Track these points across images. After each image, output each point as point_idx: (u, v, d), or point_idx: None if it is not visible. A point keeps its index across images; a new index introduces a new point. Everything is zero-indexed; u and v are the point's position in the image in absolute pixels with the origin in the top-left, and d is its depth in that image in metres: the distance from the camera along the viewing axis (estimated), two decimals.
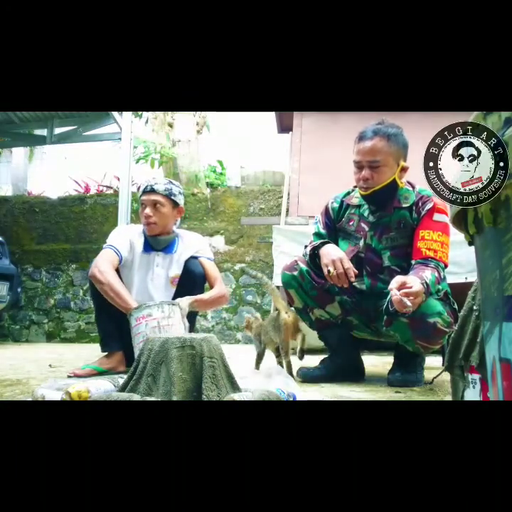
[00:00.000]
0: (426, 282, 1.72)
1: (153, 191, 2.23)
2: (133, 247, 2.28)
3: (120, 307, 2.05)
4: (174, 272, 2.31)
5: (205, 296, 2.23)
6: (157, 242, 2.30)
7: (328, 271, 1.87)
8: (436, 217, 1.90)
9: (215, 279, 2.33)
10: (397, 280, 1.69)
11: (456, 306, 1.93)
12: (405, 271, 1.93)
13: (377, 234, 1.99)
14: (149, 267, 2.30)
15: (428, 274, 1.76)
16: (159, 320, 1.92)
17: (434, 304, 1.82)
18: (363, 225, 2.02)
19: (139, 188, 2.44)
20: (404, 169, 1.93)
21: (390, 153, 1.88)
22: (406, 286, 1.66)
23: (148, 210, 2.23)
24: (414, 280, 1.69)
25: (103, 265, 2.12)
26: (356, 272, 1.90)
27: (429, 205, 1.92)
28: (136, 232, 2.34)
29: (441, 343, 1.93)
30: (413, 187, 2.00)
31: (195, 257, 2.34)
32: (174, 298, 2.27)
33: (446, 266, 1.89)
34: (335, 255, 1.90)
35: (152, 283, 2.30)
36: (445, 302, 1.89)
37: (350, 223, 2.05)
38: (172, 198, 2.26)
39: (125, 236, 2.28)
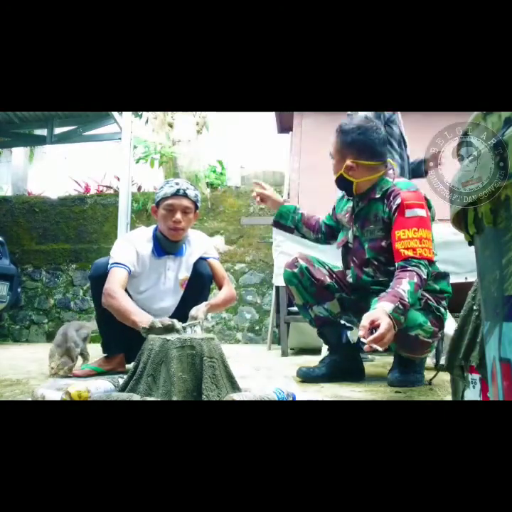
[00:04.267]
0: (400, 303, 1.67)
1: (185, 196, 2.14)
2: (140, 256, 2.18)
3: (128, 324, 1.92)
4: (183, 275, 2.27)
5: (218, 300, 2.18)
6: (173, 247, 2.22)
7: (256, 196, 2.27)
8: (409, 213, 1.84)
9: (223, 279, 2.32)
10: (363, 323, 1.62)
11: (441, 312, 1.90)
12: (383, 264, 1.94)
13: (360, 225, 2.02)
14: (161, 271, 2.24)
15: (405, 285, 1.71)
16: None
17: (414, 317, 1.80)
18: (352, 216, 2.06)
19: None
20: (348, 167, 1.95)
21: (336, 149, 2.00)
22: (374, 325, 1.60)
23: (179, 216, 2.12)
24: (382, 317, 1.62)
25: (111, 289, 2.00)
26: (356, 262, 2.00)
27: (397, 201, 1.87)
28: (142, 239, 2.23)
29: (428, 352, 1.94)
30: (392, 178, 1.97)
31: (203, 258, 2.31)
32: (183, 300, 2.26)
33: (431, 260, 1.83)
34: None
35: (164, 287, 2.26)
36: (427, 311, 1.87)
37: (346, 215, 2.10)
38: (197, 203, 2.20)
39: (130, 249, 2.17)
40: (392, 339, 1.64)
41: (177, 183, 2.16)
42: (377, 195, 1.95)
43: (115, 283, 2.02)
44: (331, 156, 2.03)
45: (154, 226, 2.29)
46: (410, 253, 1.79)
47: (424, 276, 1.78)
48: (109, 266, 2.12)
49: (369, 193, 1.98)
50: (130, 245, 2.18)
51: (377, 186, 1.96)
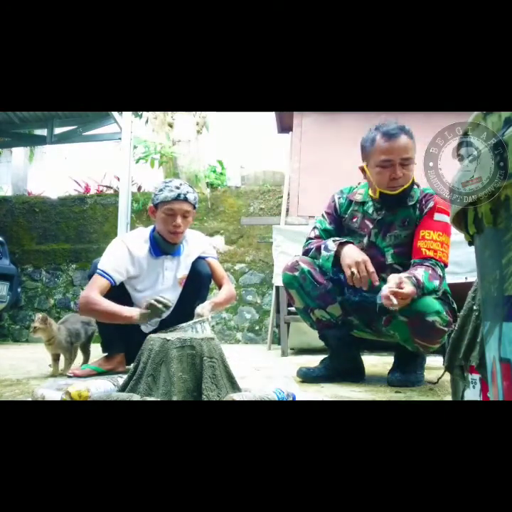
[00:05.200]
0: (419, 279, 1.76)
1: (186, 201, 2.15)
2: (137, 258, 2.20)
3: (124, 322, 2.04)
4: (182, 273, 2.30)
5: (220, 298, 2.22)
6: (171, 248, 2.25)
7: (351, 272, 1.85)
8: (437, 217, 1.91)
9: (223, 278, 2.34)
10: (395, 279, 1.72)
11: (454, 306, 1.93)
12: (408, 269, 1.93)
13: (382, 231, 1.99)
14: (159, 271, 2.27)
15: (420, 272, 1.80)
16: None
17: (432, 303, 1.82)
18: (366, 222, 2.02)
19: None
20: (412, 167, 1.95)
21: (415, 151, 1.90)
22: (400, 286, 1.69)
23: (179, 221, 2.14)
24: (408, 282, 1.72)
25: (90, 296, 2.07)
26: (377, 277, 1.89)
27: (430, 204, 1.93)
28: (139, 240, 2.25)
29: (440, 342, 1.92)
30: (418, 185, 2.01)
31: (202, 257, 2.33)
32: (181, 298, 2.29)
33: (446, 265, 1.90)
34: (359, 257, 1.87)
35: (162, 286, 2.28)
36: (444, 301, 1.90)
37: (354, 220, 2.06)
38: (196, 206, 2.23)
39: (123, 256, 2.18)
40: (406, 304, 1.73)
41: (177, 187, 2.15)
42: (410, 203, 1.96)
43: (94, 290, 2.09)
44: (409, 160, 1.89)
45: (152, 226, 2.31)
46: (431, 253, 1.86)
47: (438, 275, 1.85)
48: (97, 269, 2.16)
49: (402, 200, 1.96)
50: (125, 251, 2.20)
51: (409, 194, 1.98)
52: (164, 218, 2.16)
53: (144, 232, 2.31)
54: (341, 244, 1.94)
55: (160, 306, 1.96)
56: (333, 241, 1.97)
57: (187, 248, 2.31)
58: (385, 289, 1.68)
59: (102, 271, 2.14)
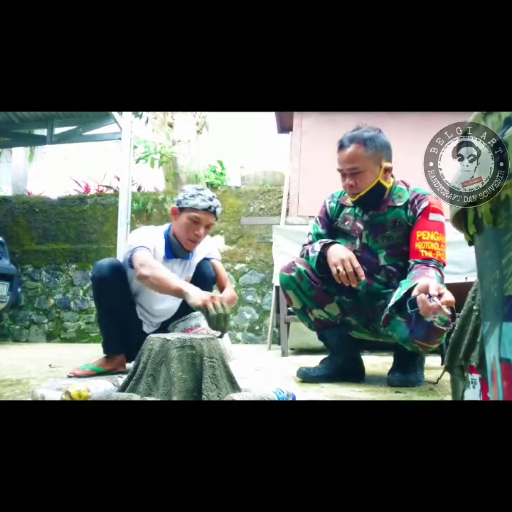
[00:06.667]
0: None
1: (214, 214, 2.14)
2: (155, 252, 2.18)
3: (172, 294, 1.91)
4: (186, 275, 2.30)
5: (226, 295, 2.15)
6: (184, 253, 2.25)
7: (338, 270, 1.87)
8: (432, 216, 1.91)
9: (226, 280, 2.35)
10: (435, 287, 1.59)
11: (452, 305, 1.93)
12: (402, 270, 1.94)
13: (373, 233, 2.00)
14: None
15: (432, 273, 1.78)
16: (207, 329, 1.90)
17: None
18: (358, 224, 2.03)
19: (183, 196, 2.09)
20: (387, 170, 1.94)
21: (368, 158, 1.90)
22: (440, 293, 1.59)
23: (202, 231, 2.14)
24: (444, 288, 1.62)
25: (148, 262, 1.98)
26: (365, 270, 1.91)
27: (424, 204, 1.93)
28: (158, 236, 2.24)
29: (439, 342, 1.92)
30: (407, 186, 2.02)
31: (207, 259, 2.34)
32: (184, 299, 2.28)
33: (444, 265, 1.90)
34: (344, 254, 1.90)
35: None
36: None
37: (346, 223, 2.07)
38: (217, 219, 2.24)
39: (150, 240, 2.16)
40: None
41: (210, 199, 2.13)
42: (399, 203, 1.97)
43: (148, 260, 1.99)
44: (356, 169, 1.91)
45: (165, 227, 2.30)
46: (430, 254, 1.86)
47: (442, 276, 1.84)
48: (130, 254, 2.07)
49: (382, 202, 1.98)
50: (150, 239, 2.16)
51: (394, 194, 1.99)
52: (188, 224, 2.13)
53: (158, 231, 2.27)
54: (327, 245, 1.96)
55: (214, 311, 1.68)
56: (320, 242, 2.00)
57: (195, 251, 2.32)
58: (426, 300, 1.56)
59: (140, 246, 2.06)
